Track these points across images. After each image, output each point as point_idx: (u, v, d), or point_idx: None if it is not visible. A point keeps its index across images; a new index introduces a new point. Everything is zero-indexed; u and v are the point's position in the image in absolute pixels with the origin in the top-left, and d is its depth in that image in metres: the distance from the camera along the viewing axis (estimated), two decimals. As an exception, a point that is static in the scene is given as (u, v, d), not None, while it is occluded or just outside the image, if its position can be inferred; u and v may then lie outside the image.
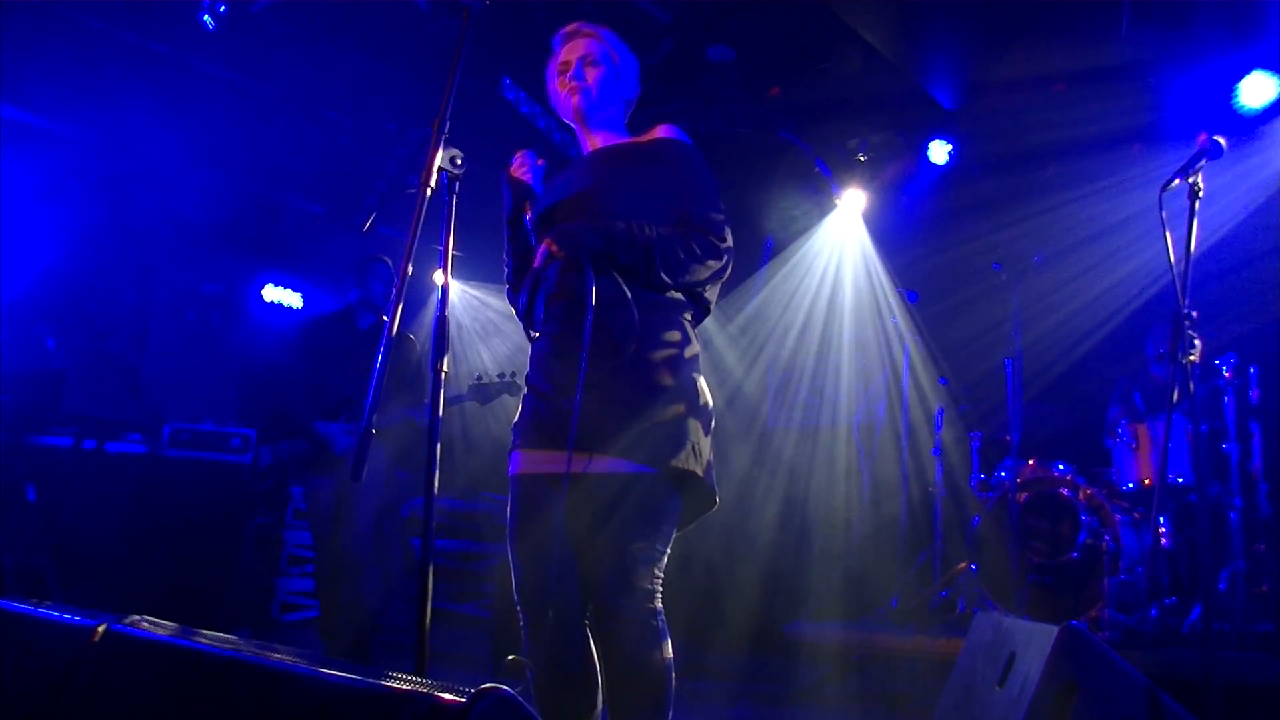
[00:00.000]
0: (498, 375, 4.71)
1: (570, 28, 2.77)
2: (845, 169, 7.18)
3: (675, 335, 2.49)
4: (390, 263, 5.15)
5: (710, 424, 2.53)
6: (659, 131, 2.69)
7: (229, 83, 6.56)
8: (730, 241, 2.55)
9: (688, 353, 2.52)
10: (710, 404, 2.56)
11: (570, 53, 2.73)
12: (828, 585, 6.54)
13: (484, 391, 4.89)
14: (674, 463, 2.38)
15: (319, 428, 4.87)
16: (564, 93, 2.72)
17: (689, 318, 2.58)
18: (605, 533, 2.39)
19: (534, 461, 2.51)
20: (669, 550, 2.45)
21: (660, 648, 2.37)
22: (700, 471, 2.44)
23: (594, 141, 2.76)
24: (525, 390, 2.64)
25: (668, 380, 2.42)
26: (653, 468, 2.37)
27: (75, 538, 5.69)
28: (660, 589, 2.42)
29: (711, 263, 2.50)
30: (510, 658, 2.38)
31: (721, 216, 2.56)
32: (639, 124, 2.85)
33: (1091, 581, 5.54)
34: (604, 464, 2.38)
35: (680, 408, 2.42)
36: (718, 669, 5.36)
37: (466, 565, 7.77)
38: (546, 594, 2.45)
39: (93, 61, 6.06)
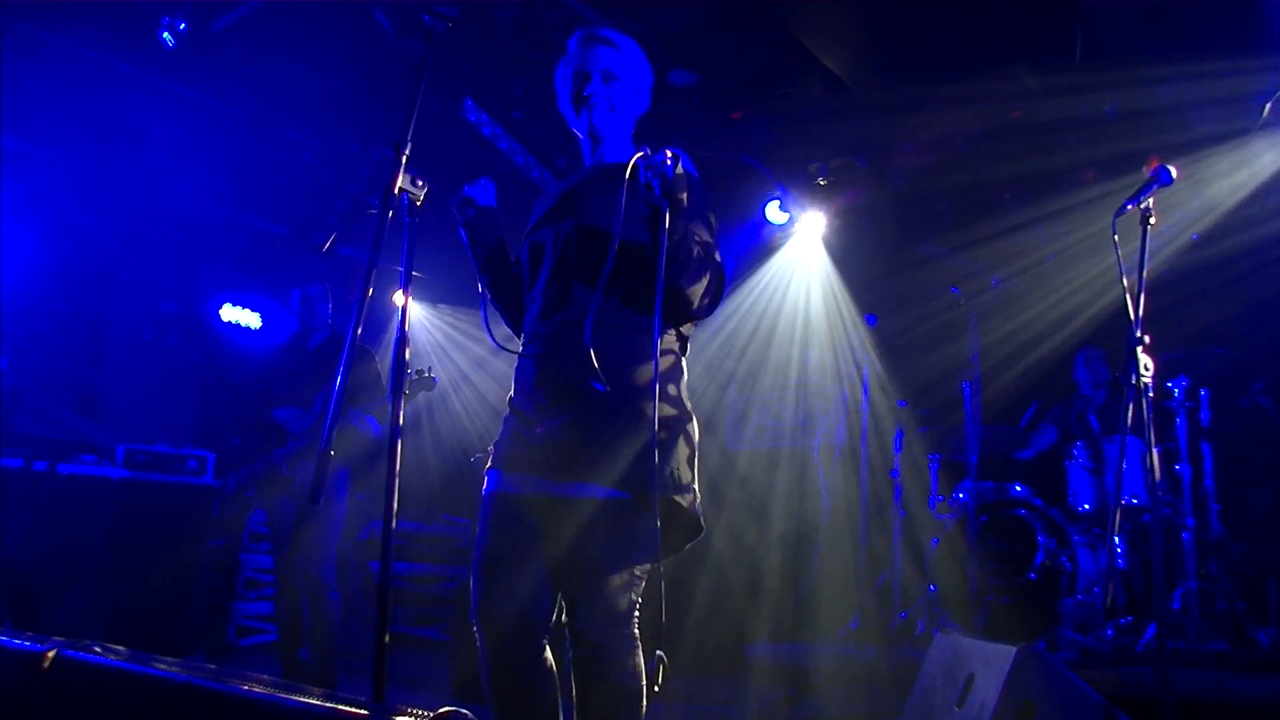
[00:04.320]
0: (414, 372, 4.57)
1: (589, 32, 2.66)
2: (805, 193, 7.24)
3: (662, 361, 2.45)
4: (324, 283, 5.22)
5: (694, 450, 2.49)
6: None
7: (189, 101, 6.50)
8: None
9: (673, 378, 2.49)
10: (695, 430, 2.52)
11: (589, 63, 2.62)
12: (788, 607, 6.55)
13: None
14: (658, 491, 2.31)
15: (276, 415, 4.87)
16: (580, 105, 2.63)
17: (675, 345, 2.55)
18: (581, 557, 2.36)
19: (510, 483, 2.48)
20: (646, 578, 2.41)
21: (635, 674, 2.35)
22: (680, 498, 2.40)
23: (600, 155, 2.67)
24: (507, 411, 2.60)
25: (650, 406, 2.36)
26: (628, 493, 2.34)
27: (26, 561, 5.58)
28: (636, 614, 2.39)
29: (705, 310, 2.47)
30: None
31: (716, 250, 2.50)
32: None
33: (1049, 602, 5.61)
34: (581, 488, 2.37)
35: (662, 434, 2.37)
36: (679, 691, 5.34)
37: (425, 588, 7.70)
38: (512, 616, 2.41)
39: (49, 79, 5.99)
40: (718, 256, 2.49)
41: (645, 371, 2.41)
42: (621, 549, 2.35)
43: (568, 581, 2.41)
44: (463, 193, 2.71)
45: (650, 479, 2.28)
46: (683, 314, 2.46)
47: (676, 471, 2.41)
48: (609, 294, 2.44)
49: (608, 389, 2.38)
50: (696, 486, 2.48)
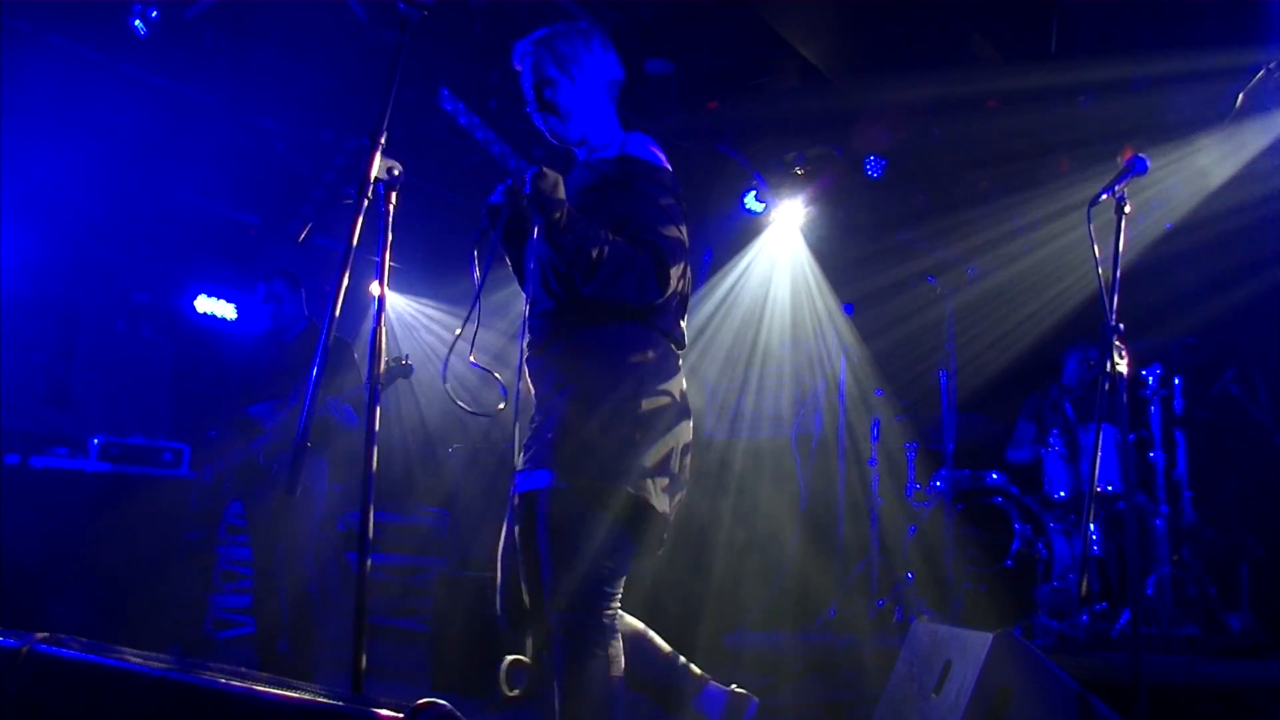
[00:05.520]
0: (391, 359, 4.52)
1: (520, 48, 2.65)
2: (782, 182, 7.24)
3: (639, 356, 2.48)
4: (293, 274, 5.17)
5: (654, 440, 2.46)
6: (627, 146, 2.59)
7: (162, 90, 6.43)
8: (677, 271, 2.46)
9: (636, 369, 2.47)
10: (658, 420, 2.48)
11: (524, 82, 2.63)
12: (767, 596, 6.57)
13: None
14: (599, 480, 2.37)
15: (250, 411, 4.84)
16: (538, 122, 2.65)
17: (650, 333, 2.53)
18: (547, 547, 2.41)
19: (515, 477, 2.58)
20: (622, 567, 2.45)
21: (606, 664, 2.37)
22: (633, 488, 2.39)
23: (584, 151, 2.70)
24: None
25: (610, 396, 2.41)
26: (579, 483, 2.39)
27: (-1, 555, 5.53)
28: (613, 605, 2.42)
29: (651, 296, 2.44)
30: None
31: (674, 239, 2.45)
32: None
33: (1025, 589, 5.65)
34: (539, 479, 2.42)
35: (619, 424, 2.40)
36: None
37: (403, 579, 7.68)
38: (518, 598, 2.53)
39: (19, 66, 5.90)
40: (661, 241, 2.42)
41: (610, 363, 2.46)
42: (580, 538, 2.37)
43: (544, 568, 2.44)
44: (487, 201, 2.65)
45: (594, 469, 2.37)
46: (623, 309, 2.47)
47: (626, 463, 2.40)
48: (560, 299, 2.53)
49: (574, 381, 2.45)
50: (657, 478, 2.45)
